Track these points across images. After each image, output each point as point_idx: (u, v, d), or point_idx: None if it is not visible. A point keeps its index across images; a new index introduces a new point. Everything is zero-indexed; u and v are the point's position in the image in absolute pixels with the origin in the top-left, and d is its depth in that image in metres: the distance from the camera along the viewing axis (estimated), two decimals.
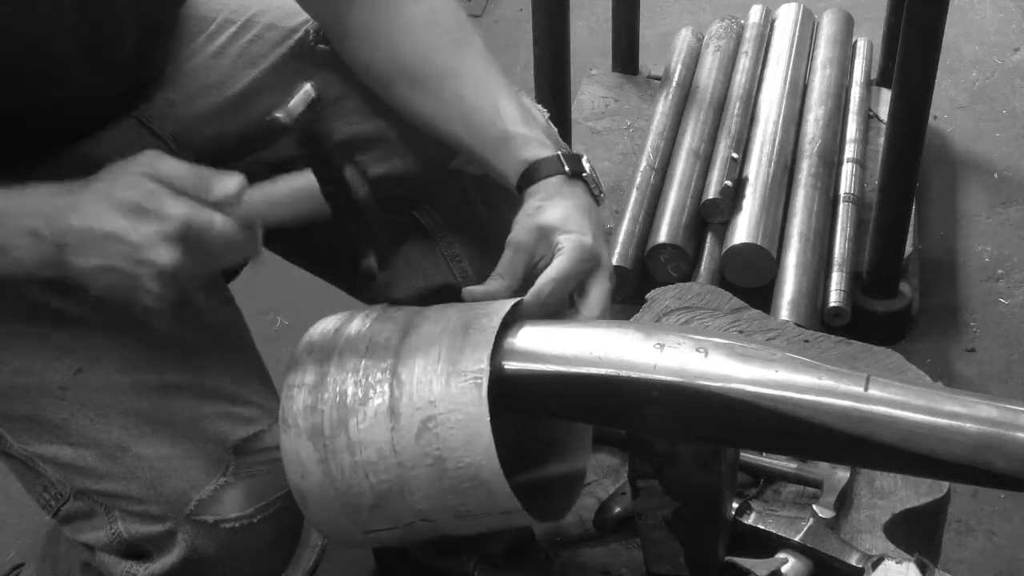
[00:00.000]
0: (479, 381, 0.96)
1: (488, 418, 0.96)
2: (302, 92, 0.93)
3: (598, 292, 1.10)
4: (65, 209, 1.02)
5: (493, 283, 1.09)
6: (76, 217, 1.02)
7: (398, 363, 1.00)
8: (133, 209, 1.00)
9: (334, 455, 1.00)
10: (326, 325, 1.06)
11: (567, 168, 1.13)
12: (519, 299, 1.05)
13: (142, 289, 1.02)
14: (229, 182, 1.03)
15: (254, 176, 1.32)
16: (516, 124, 1.17)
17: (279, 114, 0.91)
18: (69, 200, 1.03)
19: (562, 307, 1.10)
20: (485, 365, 0.97)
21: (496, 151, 1.17)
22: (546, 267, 1.09)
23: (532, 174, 1.14)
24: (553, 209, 1.11)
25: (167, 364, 1.15)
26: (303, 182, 1.01)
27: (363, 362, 1.01)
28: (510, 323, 1.03)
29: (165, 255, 0.99)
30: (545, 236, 1.10)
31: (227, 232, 1.01)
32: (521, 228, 1.11)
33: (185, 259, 1.00)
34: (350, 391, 1.00)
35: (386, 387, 0.99)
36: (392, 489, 0.99)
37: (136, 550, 1.15)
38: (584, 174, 1.14)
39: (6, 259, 1.04)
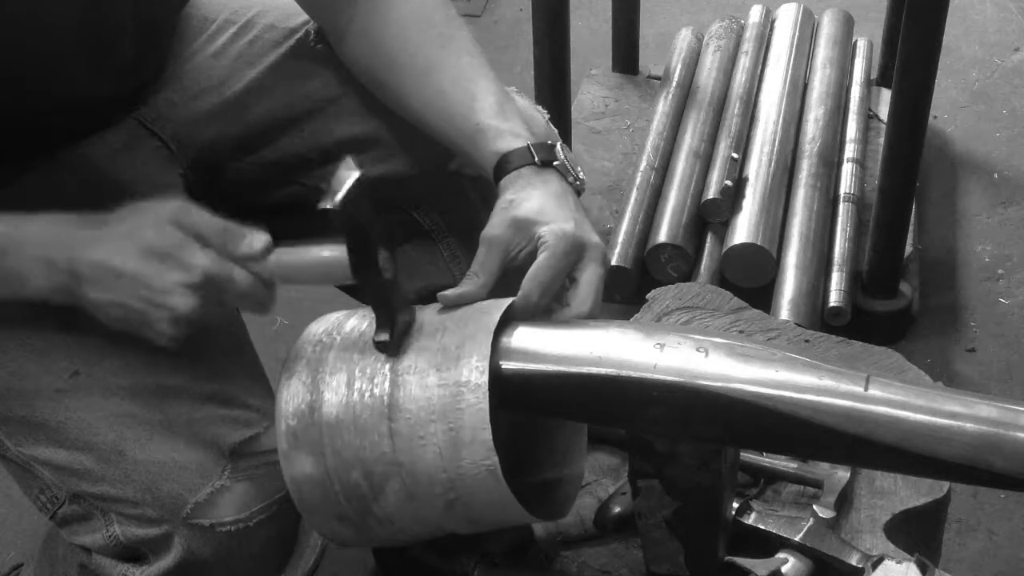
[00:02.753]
0: (492, 468, 0.97)
1: (513, 497, 0.98)
2: (349, 178, 0.94)
3: (587, 281, 1.08)
4: (85, 241, 1.03)
5: (468, 284, 1.06)
6: (96, 251, 1.03)
7: (395, 439, 0.99)
8: (158, 255, 1.01)
9: (366, 525, 1.03)
10: (298, 400, 1.02)
11: (536, 158, 1.12)
12: (511, 300, 1.05)
13: (152, 328, 1.04)
14: (256, 241, 1.03)
15: (255, 177, 1.33)
16: (490, 116, 1.15)
17: (327, 204, 0.93)
18: (90, 233, 1.04)
19: (557, 300, 1.09)
20: (493, 457, 0.97)
21: (472, 144, 1.16)
22: (527, 259, 1.07)
23: (504, 166, 1.12)
24: (528, 201, 1.09)
25: (164, 367, 1.15)
26: (334, 255, 1.01)
27: (355, 439, 1.00)
28: (505, 322, 1.03)
29: (183, 302, 1.01)
30: (521, 229, 1.08)
31: (247, 289, 1.03)
32: (495, 223, 1.09)
33: (201, 308, 1.02)
34: (361, 482, 1.00)
35: (393, 474, 1.00)
36: (430, 532, 1.05)
37: (133, 553, 1.15)
38: (556, 162, 1.13)
39: (21, 286, 1.06)
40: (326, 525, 1.04)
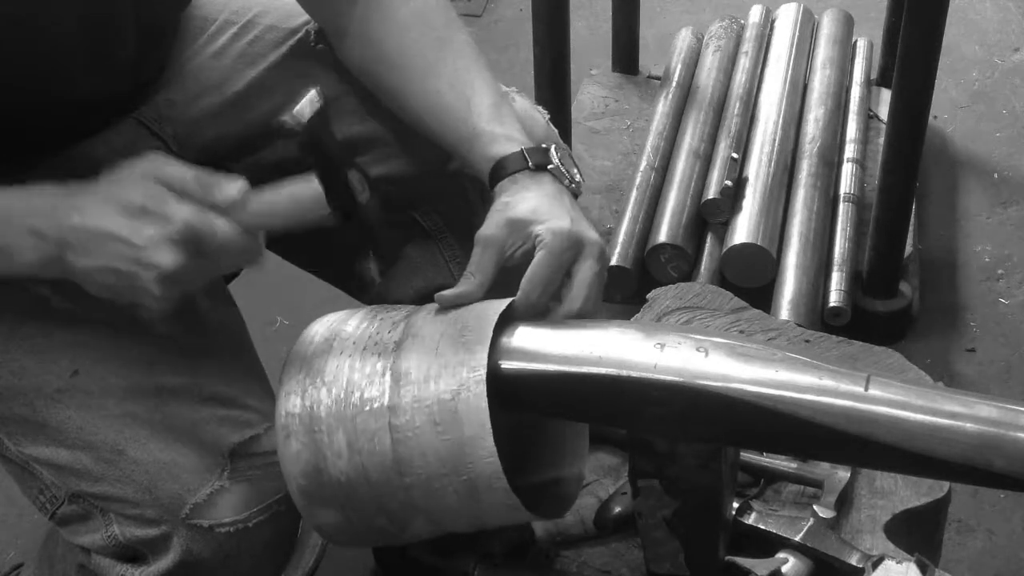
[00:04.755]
0: (514, 507, 0.98)
1: (529, 513, 1.00)
2: (309, 96, 0.93)
3: (582, 277, 1.08)
4: (68, 209, 1.02)
5: (465, 284, 1.07)
6: (79, 217, 1.02)
7: (411, 491, 1.00)
8: (136, 211, 1.00)
9: (394, 543, 1.06)
10: (303, 462, 1.02)
11: (530, 162, 1.12)
12: (510, 300, 1.05)
13: (142, 291, 1.02)
14: (232, 186, 1.03)
15: (256, 178, 1.33)
16: (486, 121, 1.16)
17: (286, 118, 0.91)
18: (72, 200, 1.03)
19: (555, 298, 1.09)
20: (514, 498, 0.98)
21: (468, 148, 1.16)
22: (524, 257, 1.08)
23: (499, 171, 1.13)
24: (522, 203, 1.10)
25: (164, 366, 1.15)
26: (307, 188, 1.00)
27: (371, 493, 1.01)
28: (506, 322, 1.03)
29: (166, 257, 0.99)
30: (517, 228, 1.08)
31: (229, 236, 1.01)
32: (490, 223, 1.10)
33: (186, 262, 1.00)
34: (386, 525, 1.02)
35: (417, 514, 1.01)
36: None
37: (132, 553, 1.15)
38: (550, 166, 1.13)
39: (10, 260, 1.05)
40: (356, 546, 1.08)
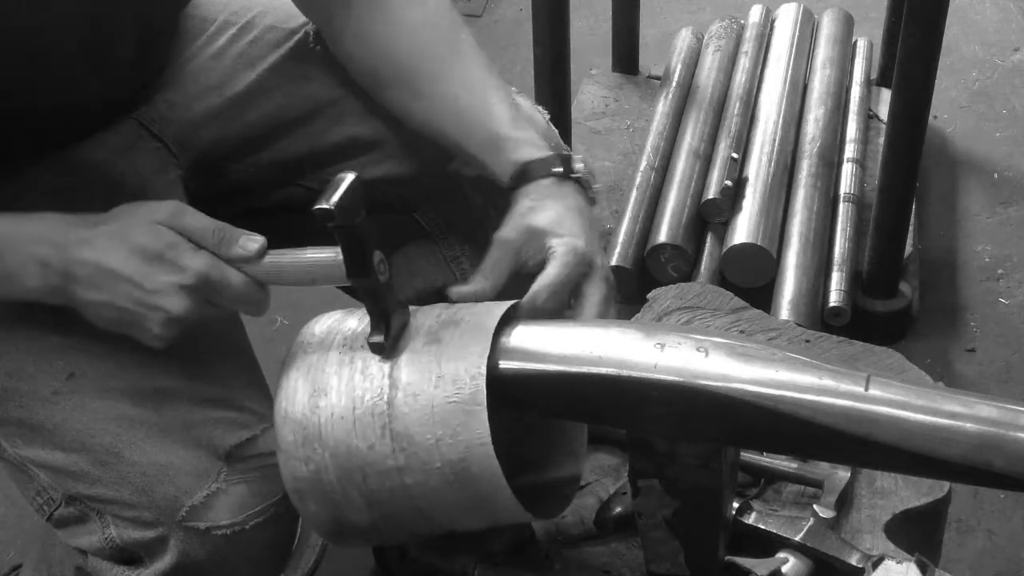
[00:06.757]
0: (528, 518, 1.00)
1: (531, 515, 1.01)
2: (347, 182, 0.94)
3: (592, 298, 1.09)
4: (78, 242, 1.04)
5: (478, 282, 1.08)
6: (89, 251, 1.03)
7: (429, 525, 1.02)
8: (150, 257, 1.02)
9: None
10: (322, 518, 1.03)
11: (559, 169, 1.13)
12: (515, 302, 1.05)
13: (145, 329, 1.04)
14: (251, 243, 1.04)
15: (256, 177, 1.33)
16: (507, 126, 1.16)
17: (323, 205, 0.93)
18: (83, 233, 1.04)
19: (559, 313, 1.09)
20: (526, 514, 0.99)
21: (489, 153, 1.17)
22: (535, 267, 1.08)
23: (523, 176, 1.13)
24: (545, 211, 1.10)
25: (161, 368, 1.15)
26: (329, 257, 1.00)
27: (390, 525, 1.02)
28: (507, 322, 1.03)
29: (177, 304, 1.01)
30: (535, 237, 1.09)
31: (241, 291, 1.03)
32: (510, 227, 1.10)
33: (194, 309, 1.02)
34: (401, 536, 1.05)
35: (434, 528, 1.03)
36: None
37: (129, 555, 1.15)
38: (576, 175, 1.14)
39: (14, 286, 1.06)
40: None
